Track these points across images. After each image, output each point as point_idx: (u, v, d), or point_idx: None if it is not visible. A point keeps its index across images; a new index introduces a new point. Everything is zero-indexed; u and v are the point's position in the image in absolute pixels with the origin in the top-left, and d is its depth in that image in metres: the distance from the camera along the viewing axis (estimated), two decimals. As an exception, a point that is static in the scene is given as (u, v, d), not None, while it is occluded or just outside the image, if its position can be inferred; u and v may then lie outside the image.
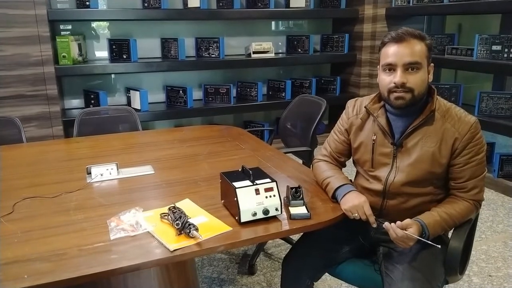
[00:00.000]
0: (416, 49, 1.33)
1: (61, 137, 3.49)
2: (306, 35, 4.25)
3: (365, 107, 1.51)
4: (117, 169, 1.76)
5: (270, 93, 4.41)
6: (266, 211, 1.31)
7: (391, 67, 1.36)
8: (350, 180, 1.54)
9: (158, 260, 1.16)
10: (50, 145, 2.30)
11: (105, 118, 2.64)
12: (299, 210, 1.37)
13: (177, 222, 1.27)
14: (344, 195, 1.42)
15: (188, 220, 1.29)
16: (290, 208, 1.38)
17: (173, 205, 1.37)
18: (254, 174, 1.38)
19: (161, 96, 4.13)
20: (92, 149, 2.15)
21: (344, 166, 1.63)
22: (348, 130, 1.56)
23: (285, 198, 1.44)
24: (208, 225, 1.32)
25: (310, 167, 1.81)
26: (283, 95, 4.26)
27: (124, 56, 3.72)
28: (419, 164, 1.40)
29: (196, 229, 1.23)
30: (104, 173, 1.73)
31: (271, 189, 1.34)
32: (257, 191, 1.32)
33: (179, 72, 4.11)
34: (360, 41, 4.39)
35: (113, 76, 4.03)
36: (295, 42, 4.31)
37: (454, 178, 1.41)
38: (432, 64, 1.40)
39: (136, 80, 4.05)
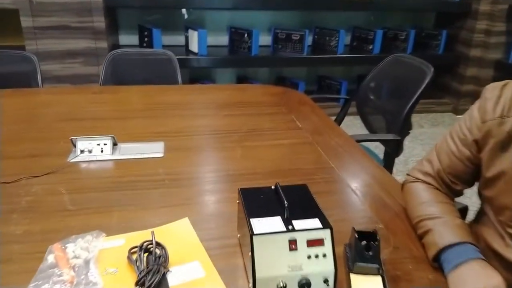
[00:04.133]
0: None
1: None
2: (410, -27, 3.32)
3: None
4: (112, 146, 1.25)
5: (355, 44, 3.61)
6: (305, 284, 0.71)
7: None
8: (468, 227, 0.86)
9: None
10: (59, 95, 1.84)
11: (139, 62, 2.12)
12: (369, 283, 0.75)
13: (141, 278, 0.72)
14: (460, 265, 0.76)
15: (165, 272, 0.75)
16: (352, 277, 0.76)
17: (150, 238, 0.82)
18: (294, 203, 0.78)
19: (224, 39, 3.52)
20: (103, 106, 1.66)
21: (459, 195, 0.95)
22: (480, 142, 0.85)
23: (346, 251, 0.83)
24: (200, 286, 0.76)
25: (392, 168, 1.15)
26: (370, 48, 3.45)
27: (183, -12, 3.13)
28: None
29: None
30: (94, 150, 1.23)
31: (319, 242, 0.73)
32: (292, 245, 0.72)
33: (246, 11, 3.44)
34: (482, -15, 3.37)
35: (172, 11, 3.48)
36: (395, -18, 3.41)
37: None
38: None
39: (197, 17, 3.47)
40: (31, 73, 1.96)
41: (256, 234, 0.72)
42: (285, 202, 0.77)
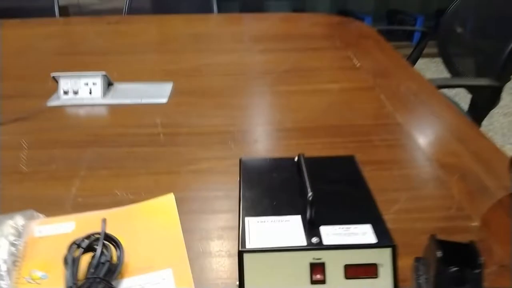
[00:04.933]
0: None
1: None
2: None
3: None
4: (105, 86, 0.96)
5: (436, -30, 2.99)
6: None
7: None
8: None
9: None
10: (69, 25, 1.57)
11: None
12: None
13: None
14: None
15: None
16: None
17: (112, 224, 0.53)
18: (327, 193, 0.44)
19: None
20: (113, 38, 1.36)
21: None
22: None
23: (416, 272, 0.48)
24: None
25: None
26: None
27: None
28: None
29: None
30: (80, 91, 0.94)
31: (370, 271, 0.40)
32: (317, 273, 0.40)
33: None
34: None
35: None
36: None
37: None
38: None
39: None
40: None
41: (248, 251, 0.40)
42: (309, 191, 0.43)
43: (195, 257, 0.53)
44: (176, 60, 1.14)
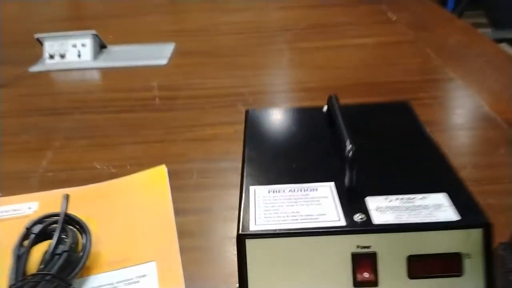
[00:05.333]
0: None
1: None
2: None
3: None
4: (96, 49, 0.82)
5: None
6: None
7: None
8: None
9: None
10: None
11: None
12: None
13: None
14: None
15: None
16: None
17: (91, 201, 0.39)
18: (374, 149, 0.29)
19: None
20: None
21: None
22: None
23: (501, 259, 0.32)
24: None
25: None
26: None
27: None
28: None
29: None
30: (68, 54, 0.81)
31: (450, 265, 0.24)
32: (364, 270, 0.24)
33: None
34: None
35: None
36: None
37: None
38: None
39: None
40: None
41: (252, 235, 0.25)
42: (348, 144, 0.28)
43: (189, 246, 0.39)
44: (179, 20, 1.00)
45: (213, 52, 0.82)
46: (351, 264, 0.25)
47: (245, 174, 0.30)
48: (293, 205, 0.27)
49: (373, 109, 0.36)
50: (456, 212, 0.26)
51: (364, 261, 0.25)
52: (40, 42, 0.82)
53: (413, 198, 0.27)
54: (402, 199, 0.27)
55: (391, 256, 0.25)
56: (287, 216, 0.26)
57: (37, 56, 0.83)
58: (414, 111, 0.36)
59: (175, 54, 0.81)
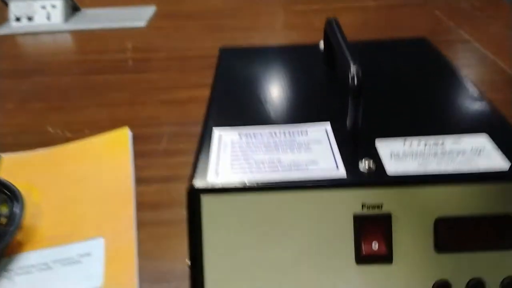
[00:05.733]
0: None
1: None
2: None
3: None
4: (68, 11, 0.73)
5: None
6: None
7: None
8: None
9: None
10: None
11: None
12: None
13: None
14: None
15: None
16: None
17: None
18: (389, 84, 0.21)
19: None
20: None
21: None
22: None
23: None
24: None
25: None
26: None
27: None
28: None
29: None
30: (36, 16, 0.73)
31: (496, 232, 0.16)
32: (368, 235, 0.16)
33: None
34: None
35: None
36: None
37: None
38: None
39: None
40: None
41: (210, 190, 0.17)
42: (352, 63, 0.20)
43: (149, 220, 0.31)
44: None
45: (199, 15, 0.73)
46: (354, 230, 0.17)
47: (209, 114, 0.22)
48: (272, 152, 0.19)
49: (386, 45, 0.28)
50: (504, 158, 0.18)
51: (372, 227, 0.17)
52: (5, 3, 0.73)
53: (443, 141, 0.19)
54: (427, 142, 0.19)
55: (412, 220, 0.17)
56: (263, 165, 0.18)
57: (3, 19, 0.74)
58: (436, 47, 0.28)
59: (156, 17, 0.73)
